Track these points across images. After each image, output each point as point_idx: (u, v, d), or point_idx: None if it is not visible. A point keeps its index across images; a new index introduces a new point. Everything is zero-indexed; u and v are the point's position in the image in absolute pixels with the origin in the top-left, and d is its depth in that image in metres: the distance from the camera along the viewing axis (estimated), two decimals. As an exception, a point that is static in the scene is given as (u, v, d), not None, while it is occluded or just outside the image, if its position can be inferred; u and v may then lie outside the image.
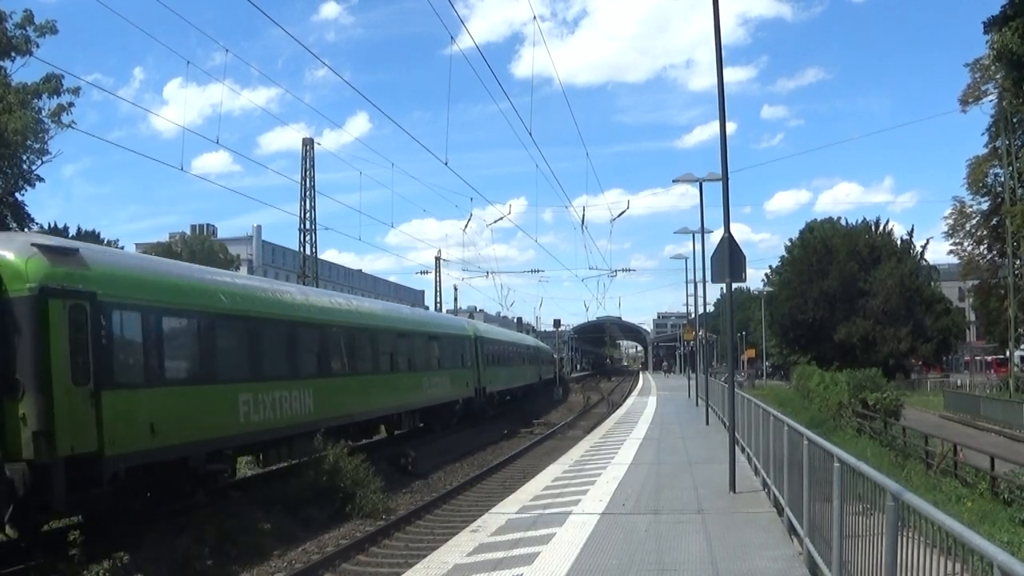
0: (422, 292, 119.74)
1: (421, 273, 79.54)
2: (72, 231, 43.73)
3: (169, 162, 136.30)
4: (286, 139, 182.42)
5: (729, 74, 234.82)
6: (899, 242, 66.69)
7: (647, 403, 35.75)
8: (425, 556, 9.21)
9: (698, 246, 31.29)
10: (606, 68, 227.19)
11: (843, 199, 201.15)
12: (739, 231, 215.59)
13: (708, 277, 24.12)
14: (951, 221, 53.07)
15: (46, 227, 37.99)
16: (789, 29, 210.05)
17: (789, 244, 73.33)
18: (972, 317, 71.10)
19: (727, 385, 15.15)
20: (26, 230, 28.88)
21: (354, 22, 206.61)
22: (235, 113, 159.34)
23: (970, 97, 46.46)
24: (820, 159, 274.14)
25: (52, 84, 30.74)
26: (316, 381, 16.75)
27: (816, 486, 7.24)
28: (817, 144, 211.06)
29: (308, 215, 41.99)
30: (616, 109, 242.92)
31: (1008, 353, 49.96)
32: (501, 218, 74.05)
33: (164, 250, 58.26)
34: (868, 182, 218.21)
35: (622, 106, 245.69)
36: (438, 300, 67.07)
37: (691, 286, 64.80)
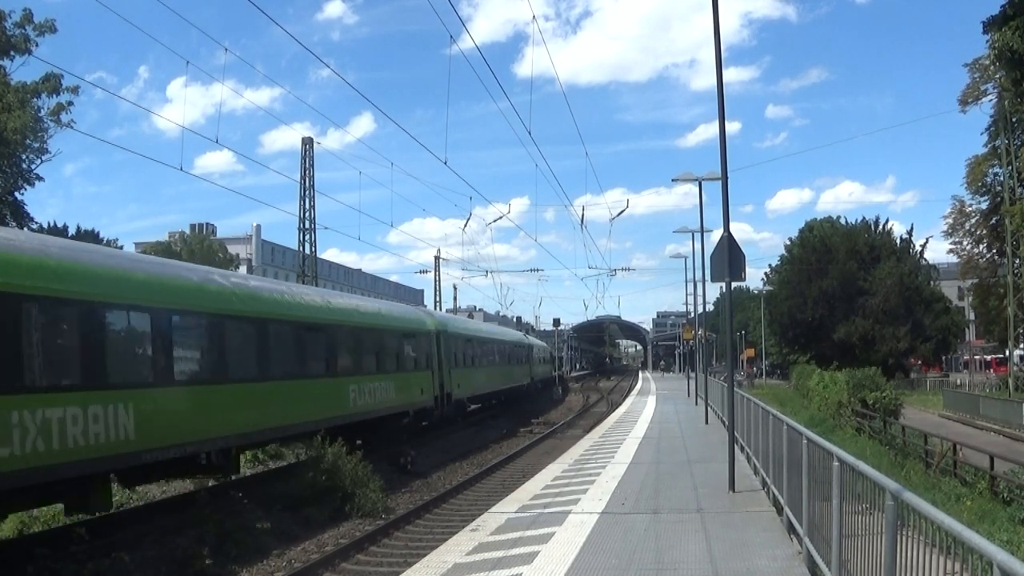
0: (421, 291, 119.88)
1: (421, 272, 79.71)
2: (72, 230, 43.71)
3: (170, 161, 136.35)
4: (289, 138, 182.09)
5: (733, 74, 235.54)
6: (898, 241, 66.73)
7: (646, 402, 35.77)
8: (425, 555, 9.21)
9: (698, 245, 31.34)
10: (609, 67, 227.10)
11: (845, 198, 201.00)
12: (740, 230, 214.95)
13: (708, 276, 24.18)
14: (951, 220, 53.17)
15: (45, 226, 37.99)
16: (792, 30, 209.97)
17: (789, 243, 73.46)
18: (971, 316, 71.10)
19: (726, 384, 15.17)
20: (25, 229, 28.87)
21: (358, 21, 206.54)
22: (238, 112, 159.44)
23: (969, 97, 46.51)
24: (823, 158, 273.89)
25: (51, 83, 30.75)
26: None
27: (815, 485, 7.25)
28: (820, 143, 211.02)
29: (307, 214, 42.00)
30: (619, 108, 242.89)
31: (1007, 352, 49.99)
32: (500, 217, 74.19)
33: (163, 249, 58.20)
34: (870, 181, 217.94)
35: (624, 104, 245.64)
36: (437, 299, 67.15)
37: (691, 285, 64.85)
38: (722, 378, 25.46)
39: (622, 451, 17.62)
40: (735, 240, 12.24)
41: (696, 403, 31.15)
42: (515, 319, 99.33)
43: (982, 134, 47.00)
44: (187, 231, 79.39)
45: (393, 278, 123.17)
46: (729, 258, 12.06)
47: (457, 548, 8.99)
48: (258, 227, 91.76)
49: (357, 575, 11.00)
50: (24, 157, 31.54)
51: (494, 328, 48.96)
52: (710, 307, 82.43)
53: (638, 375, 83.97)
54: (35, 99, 30.89)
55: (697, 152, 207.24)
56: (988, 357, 68.90)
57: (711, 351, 75.20)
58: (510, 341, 42.94)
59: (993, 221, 48.04)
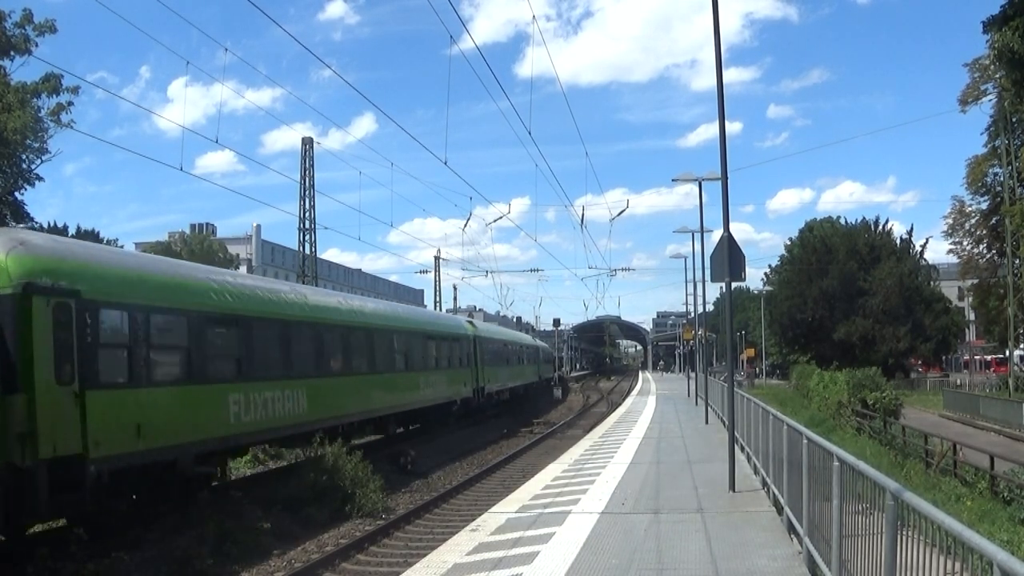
0: (421, 291, 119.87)
1: (421, 272, 79.72)
2: (72, 230, 43.71)
3: (170, 161, 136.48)
4: (291, 138, 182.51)
5: (734, 74, 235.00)
6: (898, 241, 66.77)
7: (647, 402, 35.77)
8: (425, 555, 9.22)
9: (698, 245, 31.33)
10: (609, 68, 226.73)
11: (846, 198, 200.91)
12: (740, 230, 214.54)
13: (708, 276, 24.19)
14: (951, 220, 53.20)
15: (46, 226, 37.99)
16: (793, 30, 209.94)
17: (789, 243, 73.50)
18: (971, 316, 71.11)
19: (726, 384, 15.17)
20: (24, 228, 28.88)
21: (359, 21, 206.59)
22: (239, 112, 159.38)
23: (969, 97, 46.50)
24: (823, 158, 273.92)
25: (51, 83, 30.74)
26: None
27: (815, 485, 7.25)
28: (821, 143, 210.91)
29: (307, 214, 42.01)
30: (619, 108, 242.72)
31: (1007, 352, 49.98)
32: (500, 217, 74.16)
33: (163, 249, 58.18)
34: (871, 181, 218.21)
35: (625, 104, 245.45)
36: (437, 299, 67.14)
37: (691, 285, 64.87)
38: (722, 378, 25.46)
39: (622, 451, 17.61)
40: (735, 240, 12.26)
41: (696, 403, 31.15)
42: (515, 319, 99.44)
43: (982, 134, 47.10)
44: (187, 231, 79.46)
45: (393, 278, 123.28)
46: (729, 258, 12.07)
47: (457, 548, 8.99)
48: (258, 227, 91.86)
49: (357, 575, 11.01)
50: (24, 157, 31.50)
51: (322, 295, 21.37)
52: (710, 307, 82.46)
53: (638, 375, 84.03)
54: (35, 99, 30.87)
55: (698, 152, 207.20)
56: (988, 357, 68.90)
57: (711, 351, 75.18)
58: (370, 321, 20.96)
59: (993, 221, 48.04)
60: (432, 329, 26.96)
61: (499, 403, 35.52)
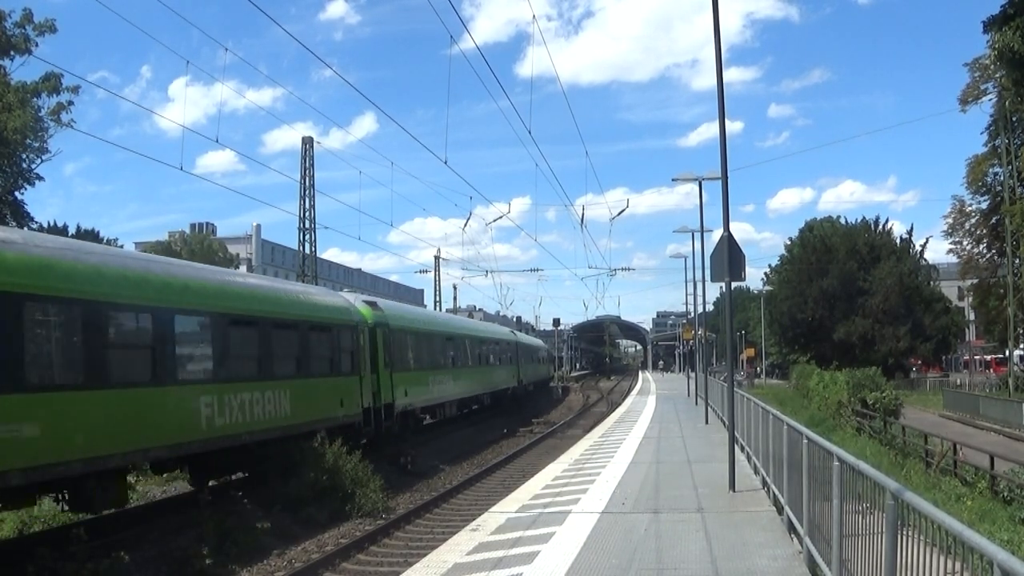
0: (421, 291, 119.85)
1: (421, 272, 79.79)
2: (72, 230, 43.71)
3: (171, 161, 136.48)
4: (292, 138, 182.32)
5: (735, 74, 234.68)
6: (898, 241, 66.77)
7: (646, 402, 35.77)
8: (425, 555, 9.21)
9: (698, 245, 31.32)
10: (610, 67, 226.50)
11: (847, 198, 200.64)
12: (741, 230, 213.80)
13: (708, 276, 24.19)
14: (950, 220, 53.19)
15: (46, 226, 38.00)
16: (794, 30, 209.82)
17: (789, 243, 73.51)
18: (971, 316, 71.14)
19: (726, 384, 15.17)
20: (25, 229, 28.89)
21: (360, 21, 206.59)
22: (240, 112, 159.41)
23: (969, 96, 46.49)
24: (824, 157, 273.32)
25: (51, 83, 30.77)
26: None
27: (816, 485, 7.25)
28: (822, 142, 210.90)
29: (308, 214, 42.01)
30: (620, 107, 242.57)
31: (1007, 352, 49.99)
32: (500, 217, 74.16)
33: (163, 248, 58.19)
34: (872, 180, 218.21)
35: (626, 104, 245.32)
36: (437, 299, 67.18)
37: (691, 285, 64.84)
38: (722, 378, 25.46)
39: (622, 451, 17.61)
40: (735, 240, 12.25)
41: (696, 403, 31.15)
42: (515, 319, 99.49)
43: (982, 134, 47.11)
44: (187, 231, 79.50)
45: (393, 278, 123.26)
46: (729, 258, 12.06)
47: (457, 548, 8.99)
48: (258, 227, 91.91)
49: (357, 575, 11.01)
50: (24, 157, 31.55)
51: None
52: (710, 307, 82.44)
53: (638, 375, 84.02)
54: (35, 99, 30.90)
55: (699, 151, 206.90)
56: (988, 357, 68.89)
57: (711, 351, 75.22)
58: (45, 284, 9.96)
59: (993, 221, 48.04)
60: (253, 309, 15.11)
61: (436, 425, 26.24)
